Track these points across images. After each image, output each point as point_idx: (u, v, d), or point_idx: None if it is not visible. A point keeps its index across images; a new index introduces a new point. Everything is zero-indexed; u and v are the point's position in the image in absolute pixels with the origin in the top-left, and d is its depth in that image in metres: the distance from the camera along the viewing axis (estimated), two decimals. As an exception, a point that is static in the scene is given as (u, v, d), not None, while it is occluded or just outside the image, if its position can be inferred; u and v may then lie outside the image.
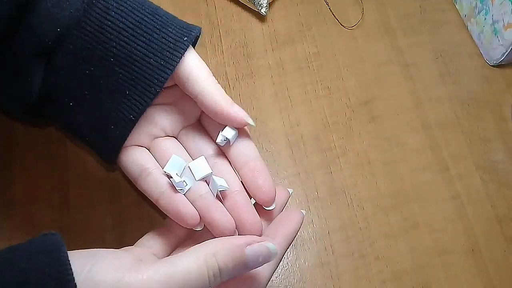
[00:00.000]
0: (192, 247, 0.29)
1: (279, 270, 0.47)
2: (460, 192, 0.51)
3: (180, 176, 0.36)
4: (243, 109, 0.38)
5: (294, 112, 0.54)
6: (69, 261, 0.25)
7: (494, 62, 0.57)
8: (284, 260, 0.48)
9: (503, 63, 0.57)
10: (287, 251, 0.48)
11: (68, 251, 0.27)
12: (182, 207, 0.34)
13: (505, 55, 0.55)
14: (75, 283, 0.25)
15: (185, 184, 0.36)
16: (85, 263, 0.27)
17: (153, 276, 0.27)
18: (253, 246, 0.29)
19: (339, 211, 0.50)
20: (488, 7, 0.56)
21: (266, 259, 0.30)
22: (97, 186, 0.49)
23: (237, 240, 0.30)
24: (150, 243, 0.35)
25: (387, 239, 0.49)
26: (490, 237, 0.50)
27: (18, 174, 0.49)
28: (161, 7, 0.39)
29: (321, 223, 0.49)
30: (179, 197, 0.35)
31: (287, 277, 0.47)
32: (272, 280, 0.47)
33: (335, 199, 0.50)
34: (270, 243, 0.30)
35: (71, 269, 0.25)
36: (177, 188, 0.35)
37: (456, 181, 0.52)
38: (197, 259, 0.28)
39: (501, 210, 0.51)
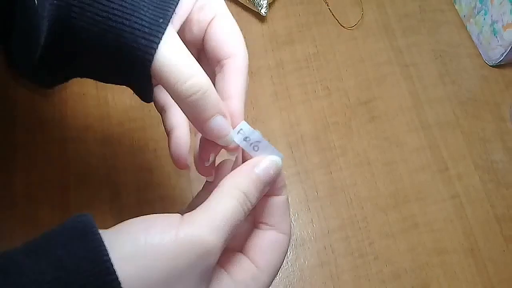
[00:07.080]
0: (216, 189, 0.31)
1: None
2: (459, 192, 0.52)
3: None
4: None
5: (294, 112, 0.54)
6: (103, 241, 0.26)
7: (493, 62, 0.57)
8: (284, 260, 0.48)
9: (502, 63, 0.57)
10: (287, 251, 0.48)
11: (106, 229, 0.28)
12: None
13: (504, 55, 0.56)
14: (112, 262, 0.25)
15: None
16: (137, 231, 0.28)
17: (202, 224, 0.28)
18: (259, 164, 0.32)
19: (339, 210, 0.50)
20: (487, 7, 0.56)
21: (276, 171, 0.32)
22: (98, 186, 0.49)
23: (246, 165, 0.32)
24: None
25: (387, 239, 0.49)
26: (489, 236, 0.50)
27: (19, 175, 0.49)
28: None
29: (321, 222, 0.49)
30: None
31: (287, 276, 0.47)
32: (272, 280, 0.47)
33: (335, 198, 0.50)
34: (273, 155, 0.32)
35: (106, 249, 0.26)
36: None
37: (455, 181, 0.52)
38: (228, 198, 0.30)
39: (500, 209, 0.51)
